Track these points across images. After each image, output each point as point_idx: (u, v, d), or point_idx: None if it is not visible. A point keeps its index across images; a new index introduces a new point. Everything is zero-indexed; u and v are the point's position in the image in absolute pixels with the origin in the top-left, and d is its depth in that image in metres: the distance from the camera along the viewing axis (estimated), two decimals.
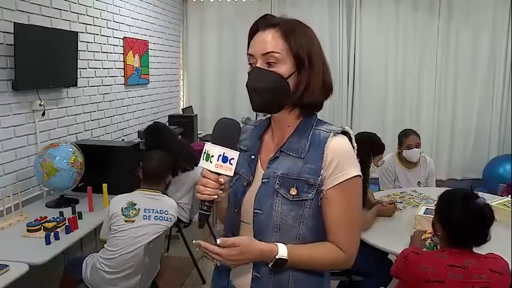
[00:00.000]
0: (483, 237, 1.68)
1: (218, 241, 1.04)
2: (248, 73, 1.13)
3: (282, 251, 1.06)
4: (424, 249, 2.04)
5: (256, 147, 1.20)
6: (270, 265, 1.07)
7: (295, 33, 1.10)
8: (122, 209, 2.35)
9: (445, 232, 1.73)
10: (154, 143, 3.30)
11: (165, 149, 2.97)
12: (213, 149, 1.03)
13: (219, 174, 1.04)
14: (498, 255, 1.71)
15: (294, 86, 1.11)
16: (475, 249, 1.71)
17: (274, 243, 1.07)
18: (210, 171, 1.04)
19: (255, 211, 1.12)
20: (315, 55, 1.11)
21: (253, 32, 1.15)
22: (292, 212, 1.09)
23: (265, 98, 1.10)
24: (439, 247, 1.88)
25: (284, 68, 1.09)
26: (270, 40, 1.09)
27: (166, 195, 2.60)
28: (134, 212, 2.36)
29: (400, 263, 1.78)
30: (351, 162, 1.10)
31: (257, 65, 1.10)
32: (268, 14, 1.16)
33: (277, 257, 1.05)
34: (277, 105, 1.12)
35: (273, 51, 1.08)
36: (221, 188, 1.05)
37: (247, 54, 1.14)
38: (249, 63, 1.14)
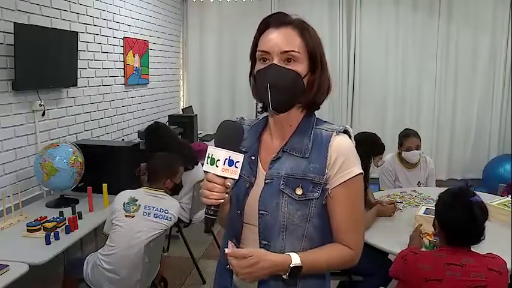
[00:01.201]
0: (477, 235, 1.68)
1: (226, 251, 1.03)
2: (261, 70, 1.10)
3: (295, 259, 1.04)
4: (423, 249, 2.04)
5: (255, 148, 1.19)
6: (285, 276, 1.05)
7: (310, 34, 1.11)
8: (124, 204, 2.37)
9: (442, 231, 1.74)
10: (154, 143, 3.31)
11: (165, 149, 2.98)
12: (218, 153, 1.01)
13: (225, 178, 1.02)
14: (496, 254, 1.71)
15: (307, 85, 1.11)
16: (475, 249, 1.71)
17: (286, 254, 1.06)
18: (216, 175, 1.02)
19: (260, 212, 1.12)
20: (323, 56, 1.14)
21: (263, 29, 1.13)
22: (298, 211, 1.09)
23: (285, 96, 1.09)
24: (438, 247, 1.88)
25: (301, 67, 1.09)
26: (288, 38, 1.09)
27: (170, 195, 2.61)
28: (135, 208, 2.37)
29: (398, 263, 1.78)
30: (354, 161, 1.11)
31: (275, 62, 1.08)
32: (279, 12, 1.15)
33: (291, 265, 1.04)
34: (292, 103, 1.12)
35: (293, 50, 1.08)
36: (227, 192, 1.04)
37: (259, 50, 1.11)
38: (261, 59, 1.11)
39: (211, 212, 1.04)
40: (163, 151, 2.87)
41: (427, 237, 2.13)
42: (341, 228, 1.11)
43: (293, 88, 1.09)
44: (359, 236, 1.14)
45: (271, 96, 1.08)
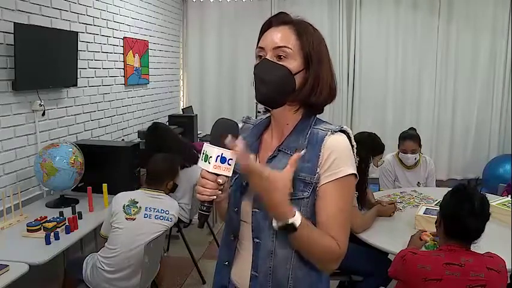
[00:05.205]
0: (476, 230, 1.68)
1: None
2: (255, 65, 1.12)
3: (297, 217, 1.00)
4: (423, 249, 2.04)
5: (255, 146, 1.20)
6: (275, 224, 1.01)
7: (308, 33, 1.11)
8: (124, 206, 2.36)
9: (442, 223, 1.75)
10: (154, 144, 3.32)
11: (166, 149, 2.99)
12: (211, 150, 1.03)
13: (217, 174, 1.03)
14: (495, 254, 1.72)
15: (300, 84, 1.11)
16: (474, 249, 1.71)
17: (293, 210, 1.00)
18: (208, 171, 1.03)
19: (253, 210, 1.12)
20: (324, 57, 1.13)
21: (266, 27, 1.15)
22: None
23: (271, 89, 1.09)
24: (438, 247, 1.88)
25: (293, 64, 1.09)
26: (283, 35, 1.10)
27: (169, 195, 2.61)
28: (135, 210, 2.36)
29: (397, 263, 1.78)
30: (347, 160, 1.09)
31: (266, 57, 1.10)
32: (282, 12, 1.16)
33: (289, 221, 0.99)
34: (280, 99, 1.12)
35: (284, 46, 1.09)
36: (220, 189, 1.05)
37: (257, 47, 1.14)
38: (258, 56, 1.13)
39: (204, 208, 1.06)
40: (165, 151, 2.87)
41: (428, 237, 2.12)
42: (327, 225, 1.07)
43: (281, 83, 1.09)
44: (345, 235, 1.10)
45: (257, 89, 1.10)
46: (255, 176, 0.98)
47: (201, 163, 1.04)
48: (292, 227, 1.00)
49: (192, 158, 3.37)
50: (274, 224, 1.01)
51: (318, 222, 1.09)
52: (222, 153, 1.02)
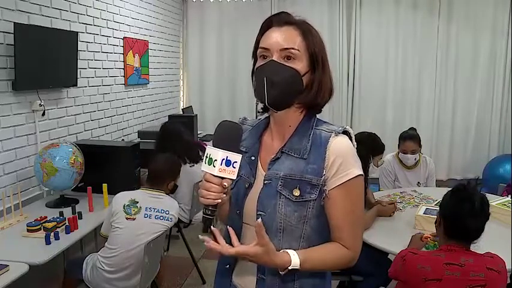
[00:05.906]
0: (476, 230, 1.68)
1: (234, 244, 1.03)
2: (260, 66, 1.11)
3: (295, 262, 1.04)
4: (423, 249, 2.04)
5: (255, 148, 1.19)
6: (281, 272, 1.06)
7: (312, 34, 1.12)
8: (124, 206, 2.36)
9: (442, 223, 1.75)
10: (160, 145, 3.34)
11: (170, 149, 3.01)
12: (216, 153, 1.01)
13: (222, 178, 1.02)
14: (495, 254, 1.72)
15: (306, 85, 1.11)
16: (474, 249, 1.71)
17: (286, 252, 1.06)
18: (213, 175, 1.02)
19: (258, 213, 1.12)
20: (325, 58, 1.14)
21: (267, 27, 1.14)
22: (295, 212, 1.09)
23: (281, 92, 1.09)
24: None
25: (300, 65, 1.09)
26: (289, 36, 1.10)
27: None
28: (136, 210, 2.36)
29: (397, 263, 1.78)
30: (353, 162, 1.10)
31: (273, 59, 1.09)
32: (284, 12, 1.16)
33: (289, 268, 1.05)
34: (289, 101, 1.12)
35: (292, 48, 1.08)
36: (225, 192, 1.04)
37: (260, 47, 1.12)
38: (261, 56, 1.12)
39: (209, 212, 1.05)
40: (170, 151, 2.89)
41: (429, 239, 2.12)
42: (339, 229, 1.10)
43: (290, 85, 1.09)
44: (357, 237, 1.13)
45: (267, 92, 1.09)
46: (243, 257, 1.04)
47: (205, 166, 1.03)
48: (294, 270, 1.06)
49: (195, 157, 3.38)
50: (280, 272, 1.07)
51: (331, 225, 1.12)
52: (227, 156, 1.01)
